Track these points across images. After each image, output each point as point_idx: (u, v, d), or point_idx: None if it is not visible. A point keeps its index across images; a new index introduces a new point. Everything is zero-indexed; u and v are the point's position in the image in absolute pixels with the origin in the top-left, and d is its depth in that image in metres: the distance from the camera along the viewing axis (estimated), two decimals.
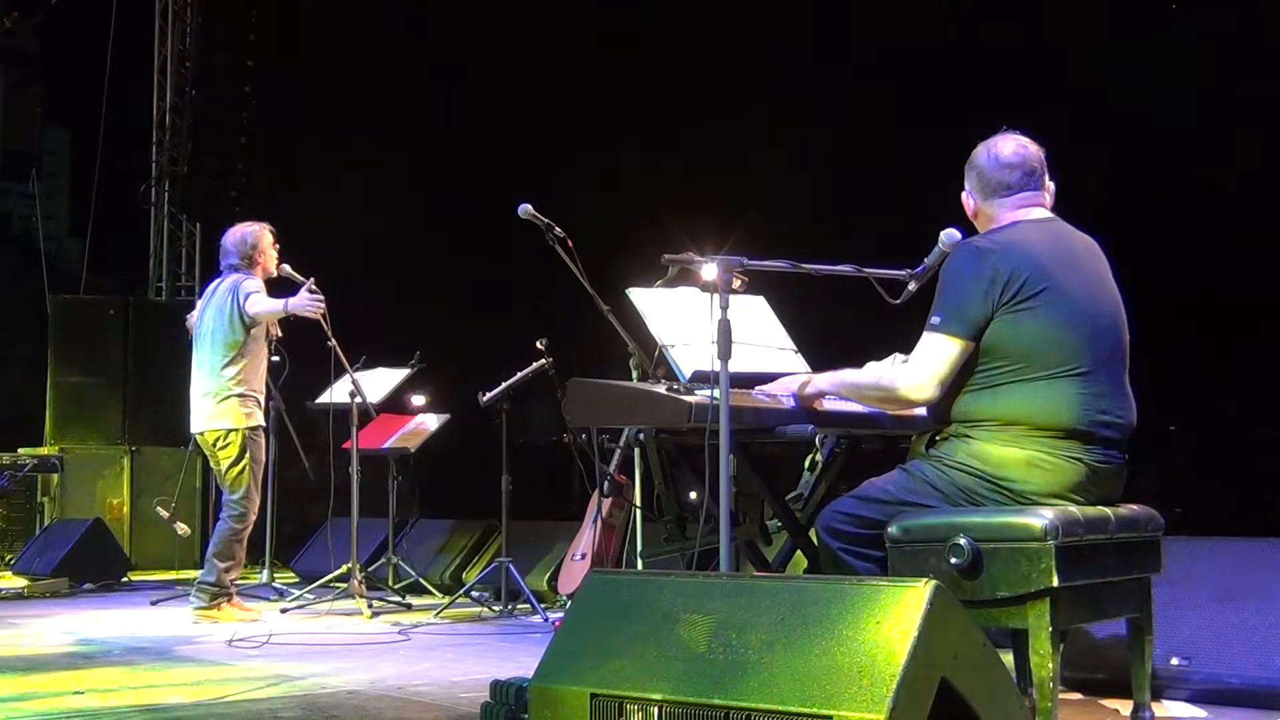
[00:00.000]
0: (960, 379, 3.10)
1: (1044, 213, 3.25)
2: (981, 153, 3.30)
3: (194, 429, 6.18)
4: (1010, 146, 3.26)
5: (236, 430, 6.04)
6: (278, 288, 6.44)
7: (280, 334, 6.43)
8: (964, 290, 3.07)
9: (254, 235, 6.29)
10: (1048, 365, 3.04)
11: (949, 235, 3.44)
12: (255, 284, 6.16)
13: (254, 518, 6.14)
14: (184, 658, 4.94)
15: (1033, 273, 3.04)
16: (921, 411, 3.42)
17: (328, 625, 5.93)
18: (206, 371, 6.13)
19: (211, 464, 6.26)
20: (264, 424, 6.22)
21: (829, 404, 3.44)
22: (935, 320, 3.10)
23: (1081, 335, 3.07)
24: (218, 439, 6.07)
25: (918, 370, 3.11)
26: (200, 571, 6.20)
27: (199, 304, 6.43)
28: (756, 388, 3.47)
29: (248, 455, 6.05)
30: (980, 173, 3.28)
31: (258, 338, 6.17)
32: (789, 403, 3.39)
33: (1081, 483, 3.05)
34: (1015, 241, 3.11)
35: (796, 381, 3.43)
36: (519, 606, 6.28)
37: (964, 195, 3.35)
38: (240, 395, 6.07)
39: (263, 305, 6.12)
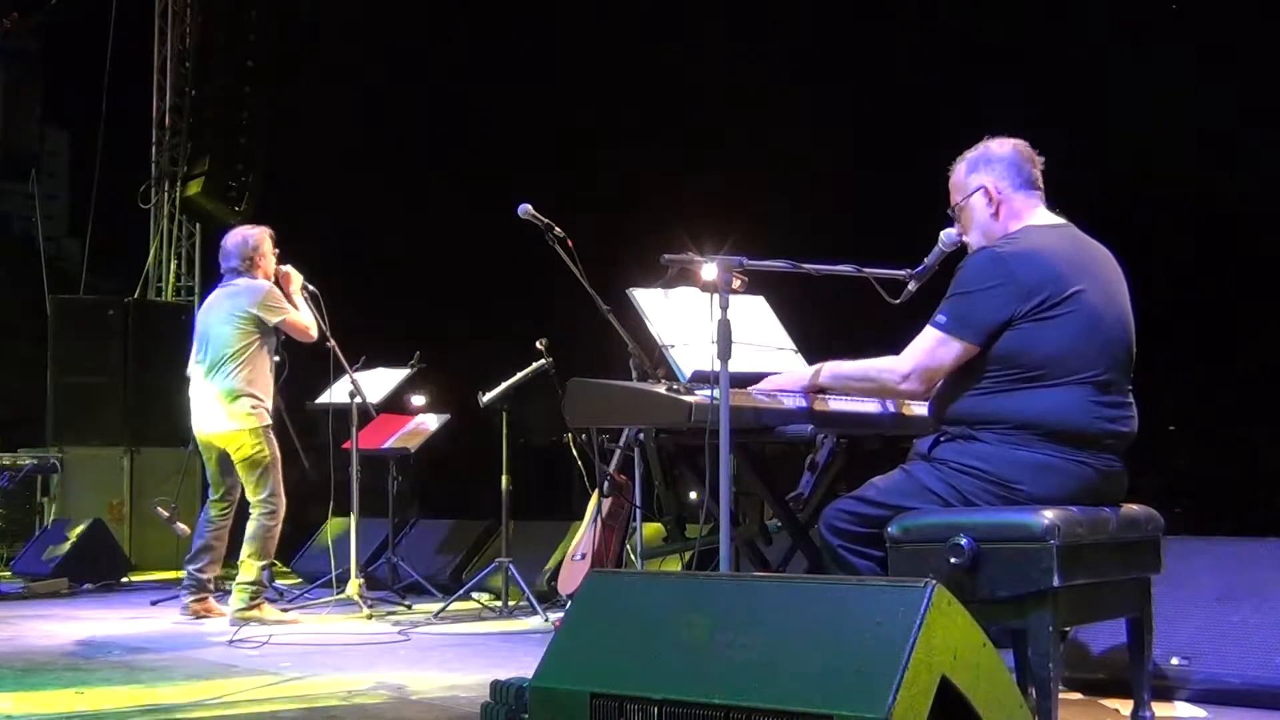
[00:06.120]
0: (970, 381, 3.09)
1: (1057, 218, 3.24)
2: (1003, 147, 3.27)
3: (205, 431, 6.15)
4: (1024, 145, 3.28)
5: (253, 430, 6.03)
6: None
7: (284, 336, 6.41)
8: (978, 295, 3.05)
9: (255, 238, 6.29)
10: (1066, 372, 3.03)
11: (949, 235, 3.44)
12: (274, 293, 6.15)
13: (283, 512, 6.11)
14: (184, 658, 4.93)
15: (1057, 282, 3.03)
16: (923, 411, 3.42)
17: (328, 625, 5.93)
18: (217, 375, 6.10)
19: (209, 466, 6.24)
20: (270, 423, 6.19)
21: (830, 404, 3.44)
22: (940, 319, 3.10)
23: (1098, 343, 3.07)
24: (232, 441, 6.06)
25: (907, 361, 3.14)
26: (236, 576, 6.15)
27: (203, 307, 6.41)
28: (753, 386, 3.46)
29: (267, 453, 6.06)
30: (1011, 163, 3.24)
31: (266, 340, 6.17)
32: (793, 402, 3.39)
33: (1087, 488, 3.04)
34: (1037, 249, 3.08)
35: (795, 379, 3.43)
36: (519, 606, 6.28)
37: (979, 192, 3.25)
38: (250, 395, 6.06)
39: (292, 317, 6.13)
